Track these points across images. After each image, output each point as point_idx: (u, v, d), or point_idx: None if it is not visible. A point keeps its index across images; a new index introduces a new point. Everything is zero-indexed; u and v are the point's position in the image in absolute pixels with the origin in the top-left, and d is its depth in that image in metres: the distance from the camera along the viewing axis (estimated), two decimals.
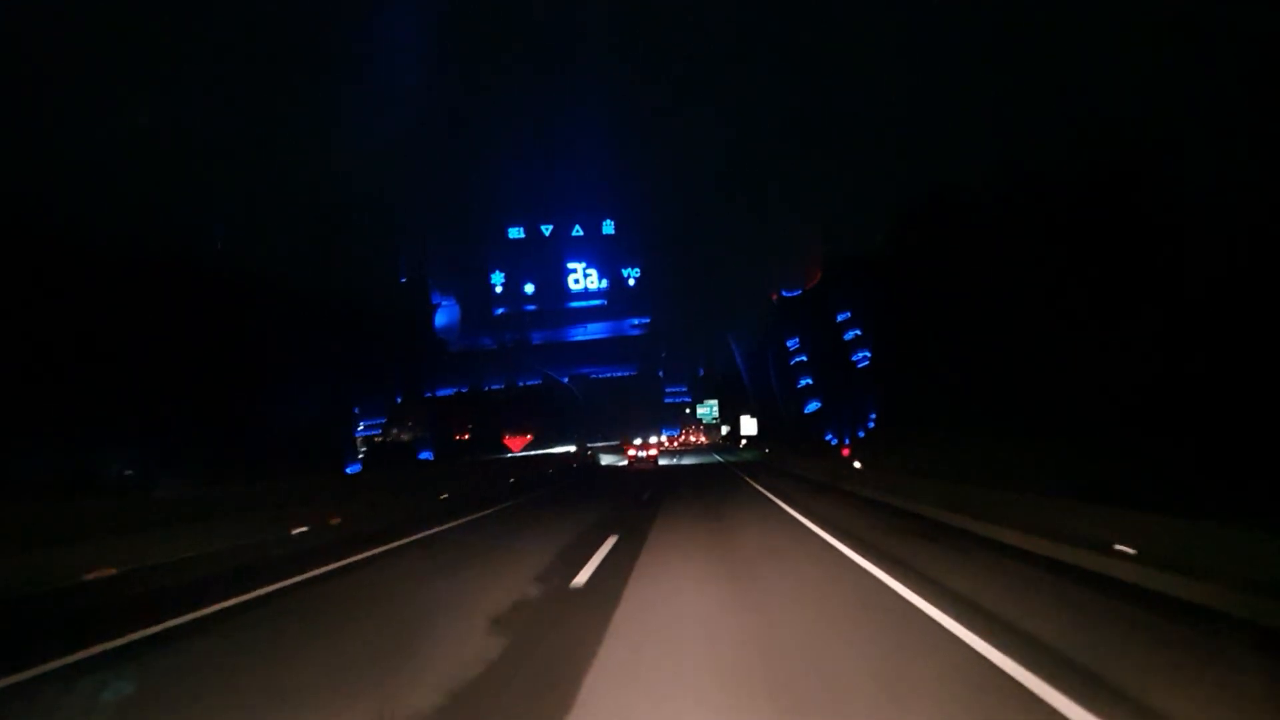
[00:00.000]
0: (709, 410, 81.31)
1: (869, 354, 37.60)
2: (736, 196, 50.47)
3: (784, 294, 51.11)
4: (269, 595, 6.28)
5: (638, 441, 41.91)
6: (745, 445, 57.58)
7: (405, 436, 43.84)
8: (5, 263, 17.50)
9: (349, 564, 7.96)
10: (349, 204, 34.89)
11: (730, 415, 73.46)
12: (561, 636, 4.65)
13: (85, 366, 19.96)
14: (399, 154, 37.14)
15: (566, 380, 57.38)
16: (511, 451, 47.31)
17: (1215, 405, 9.84)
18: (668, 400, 66.31)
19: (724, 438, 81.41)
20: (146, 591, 6.55)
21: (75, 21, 20.51)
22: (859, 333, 39.16)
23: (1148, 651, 4.04)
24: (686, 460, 42.07)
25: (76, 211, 20.07)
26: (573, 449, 43.04)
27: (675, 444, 79.00)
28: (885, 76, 28.01)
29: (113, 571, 6.76)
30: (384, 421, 43.72)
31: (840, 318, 40.71)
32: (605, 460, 42.79)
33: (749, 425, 61.10)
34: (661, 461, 36.77)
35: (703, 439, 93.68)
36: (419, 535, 10.29)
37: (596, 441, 48.47)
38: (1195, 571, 4.87)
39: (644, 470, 30.09)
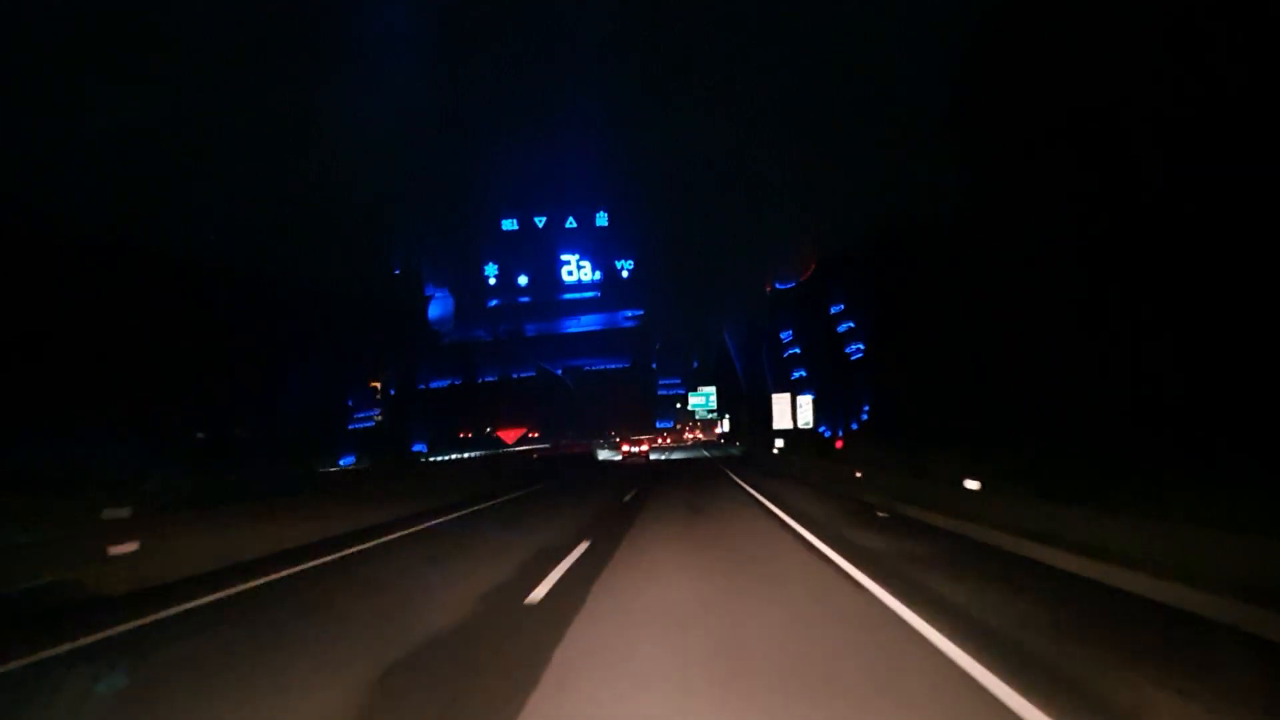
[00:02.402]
0: (705, 400, 63.57)
1: (862, 346, 37.67)
2: (730, 188, 50.32)
3: (777, 286, 51.11)
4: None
5: (635, 440, 48.01)
6: (780, 450, 32.11)
7: (398, 429, 43.78)
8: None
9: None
10: (341, 195, 34.69)
11: (738, 403, 57.96)
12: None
13: (77, 361, 19.83)
14: (392, 144, 36.93)
15: (560, 372, 57.38)
16: (505, 444, 47.35)
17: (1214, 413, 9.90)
18: (661, 392, 66.27)
19: (724, 435, 65.67)
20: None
21: (66, 14, 20.26)
22: (852, 325, 39.21)
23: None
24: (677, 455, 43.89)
25: (68, 207, 19.90)
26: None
27: (668, 440, 76.40)
28: (882, 68, 27.94)
29: None
30: (377, 414, 43.64)
31: (834, 309, 40.73)
32: (602, 455, 44.35)
33: (790, 410, 36.53)
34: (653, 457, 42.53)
35: (698, 435, 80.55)
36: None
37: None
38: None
39: (636, 464, 35.69)
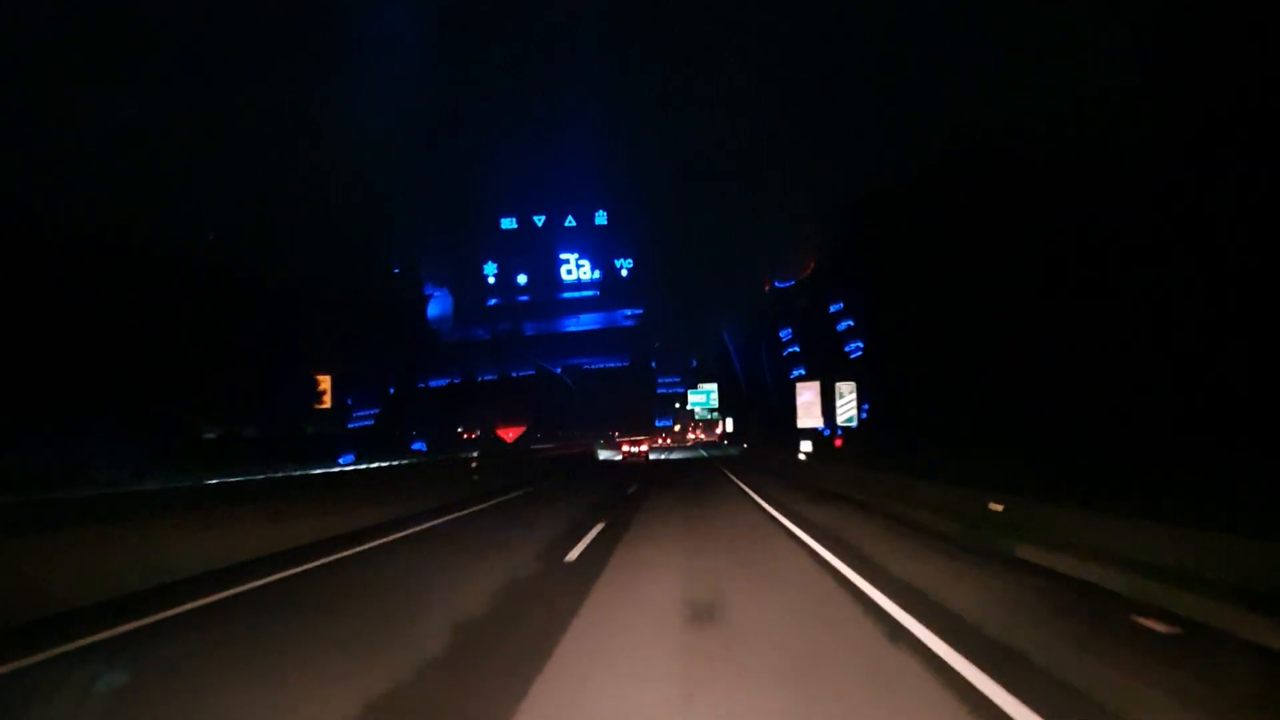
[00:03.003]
0: (705, 398, 57.75)
1: (861, 345, 37.74)
2: (730, 186, 50.36)
3: (777, 284, 51.18)
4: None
5: (635, 439, 47.22)
6: (808, 455, 24.05)
7: (399, 428, 43.81)
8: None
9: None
10: (341, 194, 34.68)
11: (741, 403, 53.77)
12: None
13: (74, 361, 19.84)
14: (391, 143, 36.89)
15: (559, 371, 57.40)
16: (504, 442, 47.36)
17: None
18: (661, 391, 66.27)
19: (727, 436, 60.27)
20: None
21: (65, 13, 20.23)
22: (851, 324, 39.28)
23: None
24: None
25: (65, 207, 19.90)
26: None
27: (668, 440, 75.91)
28: (880, 66, 27.98)
29: None
30: (377, 412, 43.63)
31: (833, 308, 40.80)
32: (603, 455, 44.63)
33: (818, 403, 26.81)
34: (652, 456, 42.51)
35: (700, 435, 77.42)
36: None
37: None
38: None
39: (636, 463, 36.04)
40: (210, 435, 25.34)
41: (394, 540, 9.95)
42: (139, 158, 23.43)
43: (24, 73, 19.74)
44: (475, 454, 27.36)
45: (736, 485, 17.29)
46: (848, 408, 23.46)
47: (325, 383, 33.02)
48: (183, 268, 24.06)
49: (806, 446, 23.64)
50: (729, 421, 60.39)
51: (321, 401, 32.53)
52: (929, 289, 22.17)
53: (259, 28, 25.44)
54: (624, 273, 54.73)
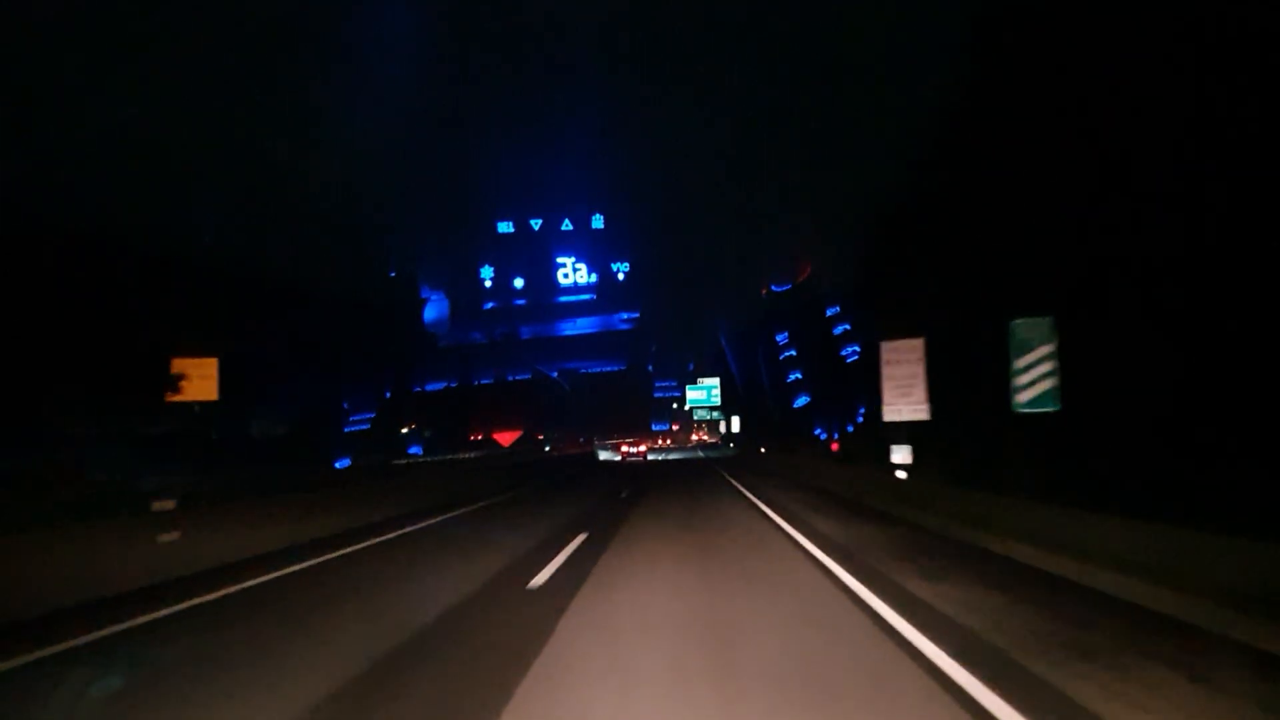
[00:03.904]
0: (705, 395, 52.13)
1: (858, 348, 37.77)
2: (726, 190, 50.47)
3: (774, 288, 51.24)
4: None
5: (633, 441, 47.38)
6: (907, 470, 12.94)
7: (395, 431, 43.69)
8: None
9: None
10: (339, 198, 34.64)
11: (749, 402, 49.91)
12: None
13: (71, 362, 19.68)
14: (390, 148, 36.92)
15: (556, 374, 57.37)
16: (501, 446, 47.31)
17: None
18: (658, 394, 66.28)
19: (733, 438, 55.74)
20: None
21: (66, 14, 20.18)
22: (848, 327, 39.33)
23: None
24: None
25: (64, 208, 19.81)
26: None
27: (667, 441, 75.88)
28: (875, 67, 28.13)
29: None
30: (373, 416, 43.49)
31: (830, 311, 40.85)
32: (603, 456, 44.51)
33: (921, 382, 12.54)
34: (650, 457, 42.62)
35: (703, 437, 76.23)
36: None
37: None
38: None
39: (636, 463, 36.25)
40: (215, 436, 24.90)
41: None
42: (137, 159, 23.33)
43: (26, 72, 19.66)
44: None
45: (825, 572, 6.29)
46: (1041, 376, 9.56)
47: (200, 367, 23.47)
48: (180, 270, 23.89)
49: (901, 456, 14.11)
50: (735, 421, 53.14)
51: (181, 392, 23.48)
52: (929, 289, 22.21)
53: (258, 28, 25.43)
54: (620, 276, 54.85)
